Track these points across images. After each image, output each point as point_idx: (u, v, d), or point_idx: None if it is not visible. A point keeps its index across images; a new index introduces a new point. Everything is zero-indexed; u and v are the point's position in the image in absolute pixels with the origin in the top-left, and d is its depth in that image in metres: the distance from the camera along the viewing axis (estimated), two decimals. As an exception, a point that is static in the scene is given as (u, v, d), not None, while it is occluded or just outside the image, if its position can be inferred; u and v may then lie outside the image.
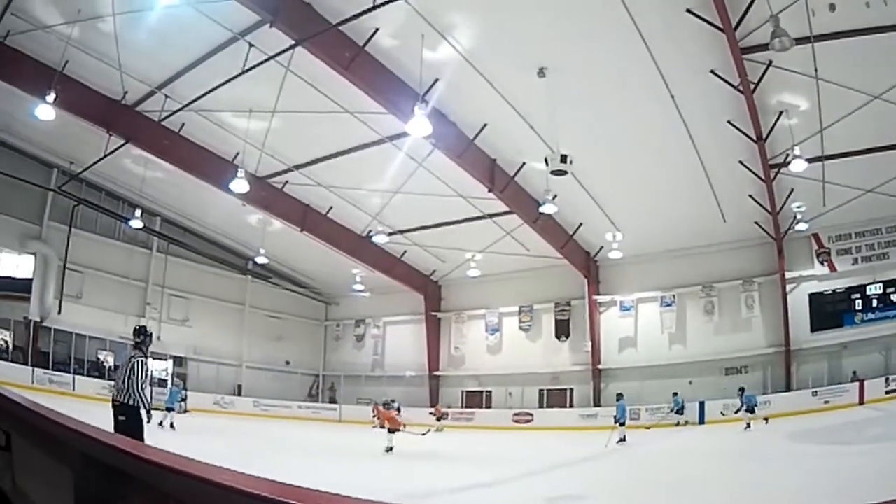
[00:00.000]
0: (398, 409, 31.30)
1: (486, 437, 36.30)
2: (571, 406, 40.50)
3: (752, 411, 29.77)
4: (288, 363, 52.52)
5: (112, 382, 11.98)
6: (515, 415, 40.88)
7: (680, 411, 34.68)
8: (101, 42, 25.33)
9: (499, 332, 45.63)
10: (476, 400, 45.66)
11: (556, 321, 42.99)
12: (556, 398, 41.09)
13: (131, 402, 11.33)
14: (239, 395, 46.56)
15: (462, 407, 45.57)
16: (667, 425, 33.91)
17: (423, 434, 25.63)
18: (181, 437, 23.27)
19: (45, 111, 24.31)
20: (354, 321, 53.47)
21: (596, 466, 20.83)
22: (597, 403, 39.19)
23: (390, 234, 38.64)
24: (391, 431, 25.29)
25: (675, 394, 34.92)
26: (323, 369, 54.82)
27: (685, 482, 14.84)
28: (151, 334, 12.50)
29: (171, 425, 27.86)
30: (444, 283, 48.66)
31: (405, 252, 44.11)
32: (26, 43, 25.68)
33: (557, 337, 42.86)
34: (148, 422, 11.14)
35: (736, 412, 30.39)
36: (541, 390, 42.07)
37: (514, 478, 17.17)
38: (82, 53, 26.24)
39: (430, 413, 40.92)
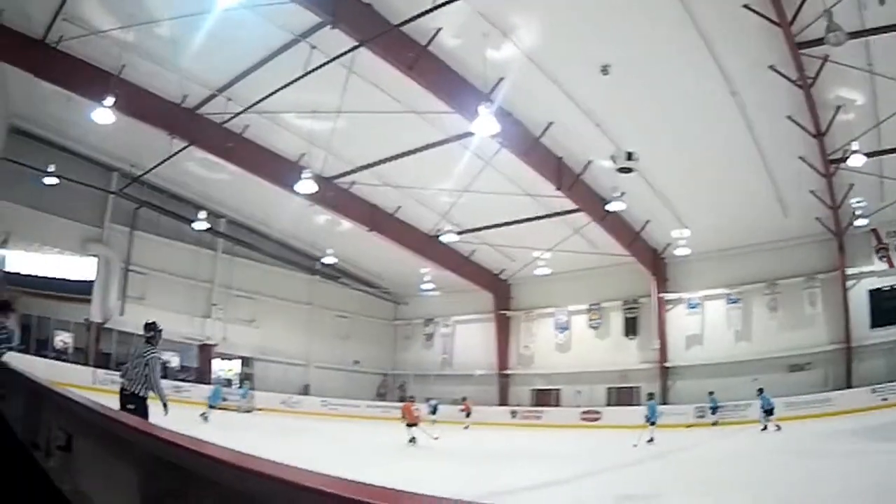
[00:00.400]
0: (412, 399, 32.80)
1: (556, 435, 36.27)
2: (639, 404, 39.74)
3: (770, 413, 29.60)
4: (357, 362, 52.82)
5: (124, 369, 12.57)
6: (584, 413, 40.77)
7: (714, 411, 34.72)
8: (159, 46, 25.88)
9: (568, 330, 45.66)
10: (545, 398, 45.63)
11: (625, 319, 43.01)
12: (623, 396, 40.94)
13: (141, 394, 12.14)
14: (307, 394, 46.92)
15: (531, 405, 45.60)
16: (703, 425, 33.87)
17: (436, 438, 26.07)
18: (245, 435, 23.51)
19: (104, 115, 24.87)
20: (424, 320, 53.86)
21: (664, 465, 20.73)
22: (664, 402, 38.69)
23: (459, 233, 38.83)
24: (409, 426, 26.43)
25: (711, 393, 34.97)
26: (392, 368, 55.18)
27: (755, 481, 14.63)
28: (161, 329, 13.13)
29: (205, 417, 29.16)
30: (513, 281, 48.74)
31: (474, 251, 44.39)
32: (80, 48, 26.04)
33: (626, 335, 42.86)
34: (165, 415, 11.47)
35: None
36: (609, 388, 41.99)
37: (587, 474, 17.14)
38: (139, 58, 26.74)
39: (460, 409, 41.33)
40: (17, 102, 32.45)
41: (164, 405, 12.28)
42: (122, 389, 12.28)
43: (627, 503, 12.79)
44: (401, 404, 45.67)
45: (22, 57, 25.79)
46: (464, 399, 42.31)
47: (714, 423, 34.30)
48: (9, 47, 25.13)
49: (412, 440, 25.81)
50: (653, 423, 27.94)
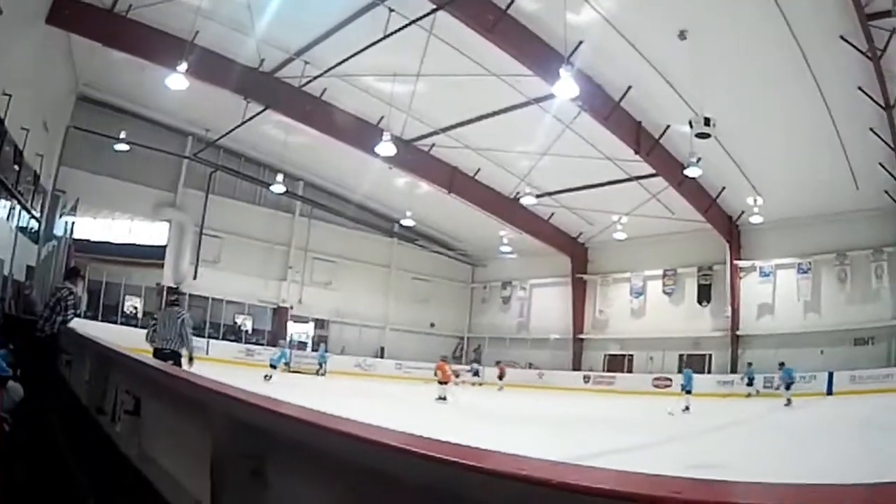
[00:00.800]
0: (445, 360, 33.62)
1: (627, 401, 36.45)
2: (710, 372, 40.31)
3: (789, 387, 29.93)
4: (433, 325, 53.59)
5: (152, 331, 13.91)
6: (655, 379, 41.01)
7: (750, 382, 35.10)
8: (234, 10, 25.98)
9: (643, 295, 45.90)
10: (618, 364, 45.92)
11: (699, 286, 43.11)
12: (695, 363, 40.28)
13: (179, 350, 13.48)
14: (381, 357, 47.68)
15: (603, 370, 45.98)
16: (770, 395, 33.56)
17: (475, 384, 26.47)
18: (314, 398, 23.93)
19: (178, 81, 25.10)
20: (501, 283, 54.29)
21: (733, 433, 20.94)
22: (734, 370, 39.14)
23: (538, 196, 38.93)
24: (442, 383, 27.81)
25: (750, 364, 35.53)
26: (468, 332, 55.79)
27: (828, 451, 14.78)
28: (184, 293, 14.72)
29: (268, 377, 29.84)
30: (590, 245, 49.06)
31: (552, 214, 44.76)
32: (151, 15, 26.30)
33: (699, 302, 42.94)
34: (190, 367, 12.76)
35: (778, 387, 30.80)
36: (680, 355, 41.94)
37: (658, 443, 17.39)
38: (213, 23, 26.87)
39: (497, 376, 42.50)
40: (87, 71, 33.15)
41: (191, 358, 13.63)
42: (160, 349, 13.38)
43: (701, 471, 13.05)
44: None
45: (90, 27, 26.02)
46: (498, 363, 43.68)
47: (748, 395, 34.73)
48: (75, 17, 25.28)
49: (442, 398, 26.90)
50: (689, 392, 28.64)
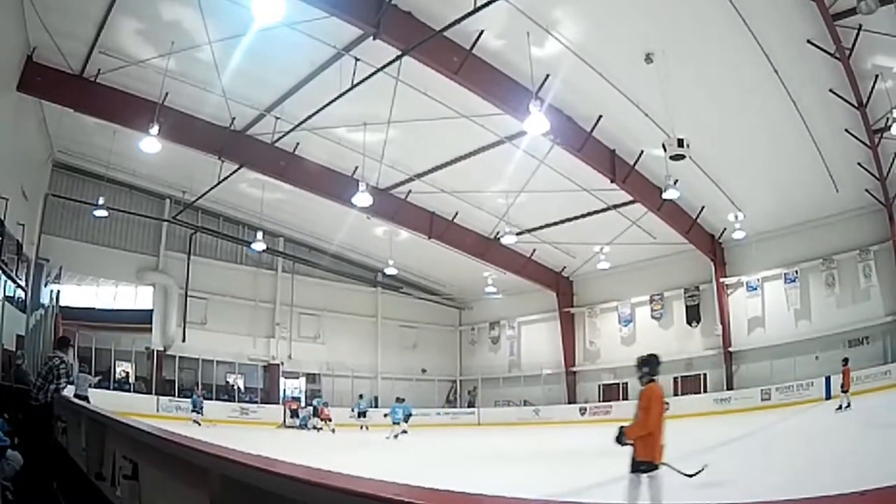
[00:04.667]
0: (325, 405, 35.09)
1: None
2: (705, 391, 40.37)
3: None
4: (424, 371, 53.28)
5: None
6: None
7: None
8: (201, 70, 26.07)
9: (632, 322, 45.80)
10: (612, 393, 45.71)
11: (687, 307, 43.03)
12: (689, 385, 40.86)
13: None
14: (376, 406, 46.72)
15: (599, 401, 45.84)
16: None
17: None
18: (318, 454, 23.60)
19: (150, 144, 24.85)
20: (489, 324, 54.18)
21: (734, 450, 20.84)
22: (729, 387, 39.22)
23: (518, 233, 38.84)
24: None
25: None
26: (460, 374, 55.55)
27: (827, 458, 14.65)
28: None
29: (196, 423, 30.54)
30: (574, 278, 49.04)
31: (534, 251, 44.77)
32: (120, 79, 26.64)
33: (688, 323, 42.85)
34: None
35: None
36: (675, 378, 41.53)
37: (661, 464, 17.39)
38: (182, 83, 27.19)
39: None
40: (61, 138, 33.40)
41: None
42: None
43: (707, 490, 12.91)
44: (471, 410, 46.47)
45: (60, 93, 26.41)
46: (324, 405, 41.38)
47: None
48: (45, 84, 25.68)
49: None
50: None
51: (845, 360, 28.35)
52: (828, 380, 33.25)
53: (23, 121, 26.61)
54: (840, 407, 26.70)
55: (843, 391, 27.29)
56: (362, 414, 40.68)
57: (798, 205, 35.09)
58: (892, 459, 12.87)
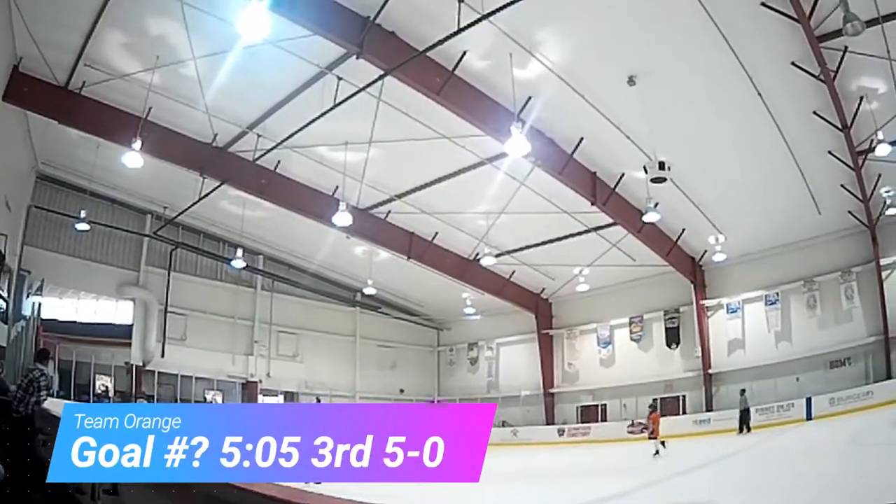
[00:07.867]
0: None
1: (604, 449, 36.62)
2: (685, 413, 40.35)
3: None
4: (402, 391, 52.84)
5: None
6: (630, 426, 40.80)
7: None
8: (185, 86, 25.89)
9: (611, 344, 45.63)
10: (591, 414, 45.67)
11: (667, 329, 42.91)
12: (669, 406, 40.67)
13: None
14: (353, 426, 46.90)
15: (577, 422, 45.75)
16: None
17: None
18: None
19: (133, 159, 24.75)
20: (467, 344, 53.90)
21: (713, 471, 20.89)
22: (709, 408, 39.19)
23: (498, 255, 38.89)
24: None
25: (743, 391, 35.18)
26: (438, 395, 55.11)
27: (808, 479, 14.65)
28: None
29: None
30: (554, 300, 48.84)
31: (514, 272, 44.62)
32: (105, 93, 26.44)
33: (668, 345, 42.76)
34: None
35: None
36: (654, 399, 40.92)
37: (641, 487, 17.38)
38: (166, 99, 26.83)
39: None
40: (45, 150, 33.23)
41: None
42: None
43: None
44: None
45: (44, 105, 26.21)
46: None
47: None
48: (30, 95, 25.50)
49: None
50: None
51: (653, 407, 30.29)
52: (808, 401, 33.49)
53: (8, 131, 26.55)
54: (657, 452, 27.00)
55: (650, 438, 28.40)
56: None
57: (780, 227, 35.17)
58: (876, 480, 12.87)
